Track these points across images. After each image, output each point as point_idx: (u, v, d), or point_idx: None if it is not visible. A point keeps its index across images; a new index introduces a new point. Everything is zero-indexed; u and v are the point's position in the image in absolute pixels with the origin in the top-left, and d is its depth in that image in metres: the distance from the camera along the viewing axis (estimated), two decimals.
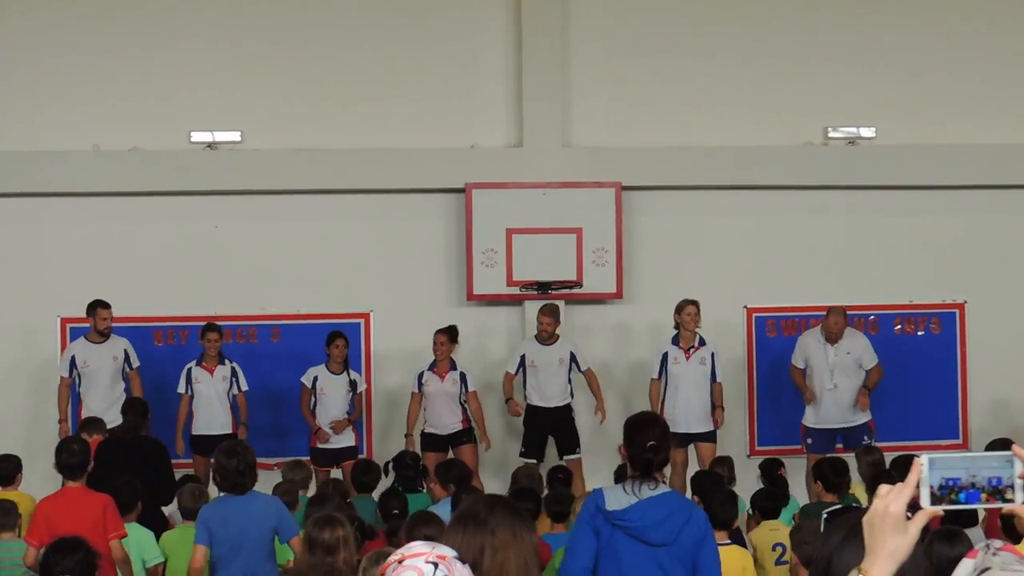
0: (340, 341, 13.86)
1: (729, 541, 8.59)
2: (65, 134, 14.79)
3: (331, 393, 13.83)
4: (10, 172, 14.67)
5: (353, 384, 13.95)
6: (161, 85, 14.97)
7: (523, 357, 13.99)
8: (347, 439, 13.89)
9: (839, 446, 13.65)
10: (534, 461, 13.72)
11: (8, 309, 14.74)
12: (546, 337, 13.96)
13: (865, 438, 13.59)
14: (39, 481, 12.27)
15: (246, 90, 15.02)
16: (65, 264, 14.82)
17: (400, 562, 3.50)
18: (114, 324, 13.87)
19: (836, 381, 13.77)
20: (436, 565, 3.46)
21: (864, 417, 13.83)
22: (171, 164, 14.81)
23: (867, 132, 15.34)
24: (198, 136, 14.90)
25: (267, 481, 13.81)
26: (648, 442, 6.71)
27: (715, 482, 10.14)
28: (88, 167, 14.76)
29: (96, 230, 14.85)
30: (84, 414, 13.54)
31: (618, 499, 6.67)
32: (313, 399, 13.85)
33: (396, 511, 9.44)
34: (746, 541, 9.41)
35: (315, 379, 13.88)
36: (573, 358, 14.00)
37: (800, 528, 8.09)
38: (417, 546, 3.57)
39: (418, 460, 12.01)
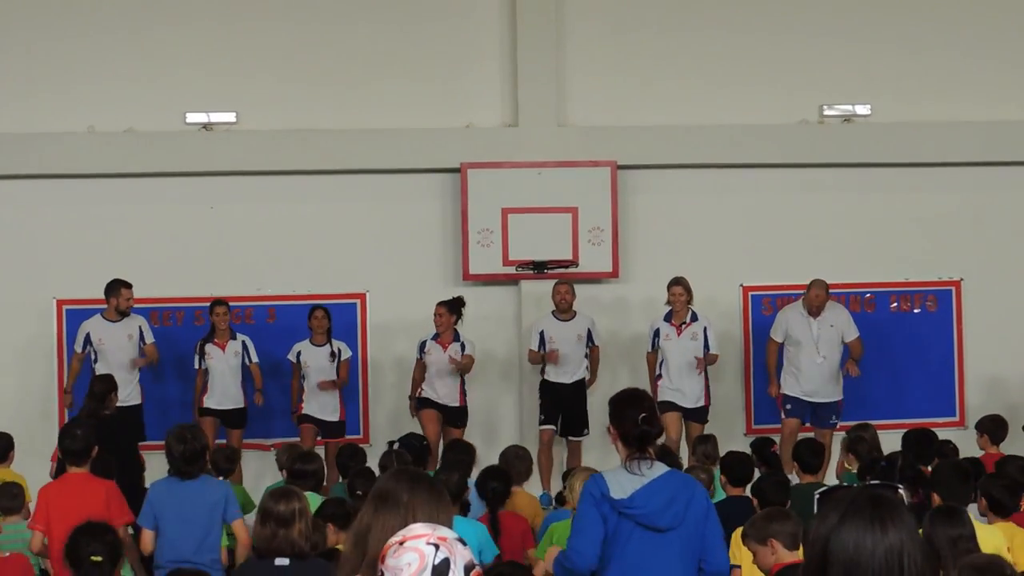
0: (318, 312, 14.10)
1: None
2: (60, 116, 14.77)
3: (314, 364, 13.98)
4: (5, 154, 14.67)
5: (336, 354, 14.04)
6: (156, 66, 14.96)
7: (542, 333, 14.03)
8: (333, 414, 13.98)
9: (806, 424, 13.74)
10: (551, 427, 13.91)
11: (4, 291, 14.73)
12: (566, 307, 14.00)
13: (833, 418, 13.70)
14: (38, 462, 12.29)
15: (241, 71, 15.00)
16: (61, 246, 14.82)
17: (401, 544, 3.49)
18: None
19: (824, 354, 13.80)
20: (437, 547, 3.46)
21: (837, 395, 13.88)
22: (166, 145, 14.81)
23: (862, 110, 15.34)
24: (193, 117, 14.90)
25: (264, 460, 13.88)
26: (640, 415, 6.60)
27: (741, 463, 10.06)
28: (83, 149, 14.75)
29: (92, 212, 14.84)
30: None
31: (621, 485, 6.54)
32: (301, 373, 14.00)
33: (359, 492, 9.29)
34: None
35: (299, 354, 14.02)
36: (590, 334, 14.05)
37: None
38: (418, 528, 3.57)
39: (423, 440, 12.01)
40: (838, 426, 13.53)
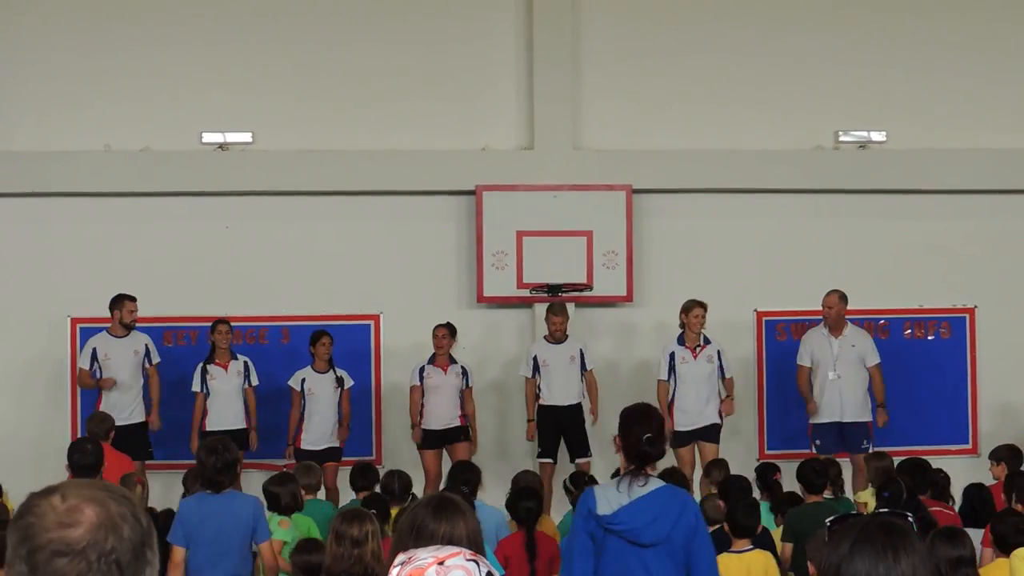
0: (326, 339, 13.95)
1: (751, 547, 8.53)
2: (76, 134, 14.81)
3: (320, 393, 13.89)
4: (21, 172, 14.70)
5: (340, 381, 13.99)
6: (172, 86, 14.99)
7: (535, 358, 14.00)
8: (331, 441, 13.92)
9: (839, 451, 13.66)
10: (550, 460, 13.82)
11: (19, 309, 14.76)
12: (561, 337, 13.97)
13: (865, 442, 13.61)
14: (48, 480, 12.25)
15: (257, 91, 15.03)
16: (76, 264, 14.84)
17: (441, 563, 3.44)
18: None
19: (839, 372, 13.77)
20: (477, 563, 3.45)
21: (865, 416, 13.82)
22: (182, 165, 14.83)
23: (878, 136, 15.33)
24: (209, 137, 14.93)
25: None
26: (645, 434, 6.59)
27: (740, 488, 10.09)
28: (99, 167, 14.77)
29: (107, 230, 14.87)
30: (103, 407, 13.61)
31: (608, 500, 6.57)
32: (303, 401, 13.90)
33: (374, 512, 9.36)
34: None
35: (303, 381, 13.93)
36: (582, 356, 14.01)
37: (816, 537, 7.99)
38: (451, 547, 3.56)
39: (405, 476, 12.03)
40: (871, 451, 13.49)
